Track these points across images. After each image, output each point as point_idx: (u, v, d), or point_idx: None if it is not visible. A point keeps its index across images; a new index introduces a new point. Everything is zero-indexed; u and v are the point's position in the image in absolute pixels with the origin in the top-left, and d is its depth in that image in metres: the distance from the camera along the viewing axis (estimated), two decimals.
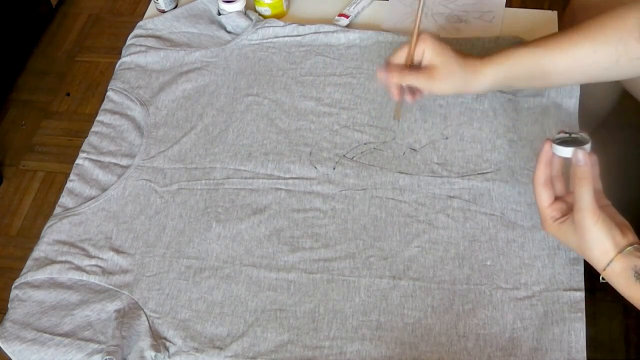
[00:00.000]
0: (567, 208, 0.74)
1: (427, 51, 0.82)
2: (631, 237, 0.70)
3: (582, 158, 0.70)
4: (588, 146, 0.72)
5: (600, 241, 0.69)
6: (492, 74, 0.81)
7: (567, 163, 0.73)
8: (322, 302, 0.78)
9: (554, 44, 0.79)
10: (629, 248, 0.69)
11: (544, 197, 0.74)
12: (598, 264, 0.70)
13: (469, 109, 0.91)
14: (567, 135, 0.74)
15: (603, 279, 0.70)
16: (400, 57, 0.84)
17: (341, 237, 0.83)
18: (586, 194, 0.69)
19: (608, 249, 0.69)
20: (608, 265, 0.69)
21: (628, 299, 0.69)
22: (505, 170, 0.86)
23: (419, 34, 0.82)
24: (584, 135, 0.73)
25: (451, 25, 1.03)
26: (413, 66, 0.84)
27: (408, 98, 0.87)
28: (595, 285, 0.75)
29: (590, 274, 0.74)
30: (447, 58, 0.81)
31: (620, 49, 0.75)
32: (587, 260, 0.72)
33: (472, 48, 0.97)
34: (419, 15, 0.81)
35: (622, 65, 0.76)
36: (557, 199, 0.75)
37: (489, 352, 0.73)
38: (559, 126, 0.88)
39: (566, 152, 0.72)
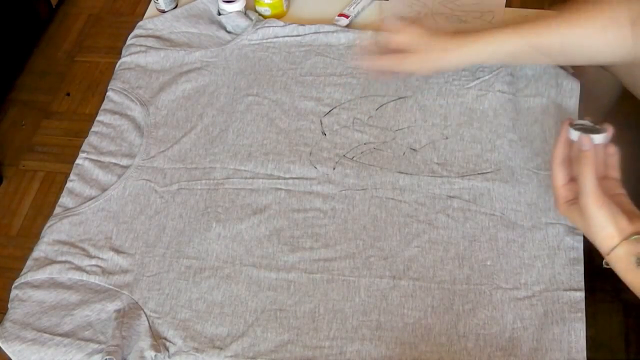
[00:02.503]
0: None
1: (405, 37, 0.85)
2: (639, 225, 0.70)
3: (586, 144, 0.70)
4: (601, 136, 0.72)
5: (603, 226, 0.70)
6: (479, 49, 0.83)
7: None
8: (322, 302, 0.78)
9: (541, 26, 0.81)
10: (635, 236, 0.69)
11: (559, 176, 0.75)
12: (603, 247, 0.71)
13: (469, 109, 0.91)
14: (590, 123, 0.75)
15: (607, 263, 0.71)
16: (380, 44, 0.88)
17: (341, 237, 0.82)
18: (588, 180, 0.70)
19: (612, 234, 0.70)
20: (612, 250, 0.69)
21: (627, 284, 0.70)
22: (505, 170, 0.86)
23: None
24: (605, 127, 0.74)
25: (451, 26, 1.03)
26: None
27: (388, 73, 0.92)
28: (595, 285, 0.75)
29: (591, 274, 0.74)
30: (420, 37, 0.85)
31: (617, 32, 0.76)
32: (593, 243, 0.73)
33: None
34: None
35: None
36: (572, 180, 0.75)
37: (489, 352, 0.73)
38: (559, 126, 0.88)
39: (574, 135, 0.73)
